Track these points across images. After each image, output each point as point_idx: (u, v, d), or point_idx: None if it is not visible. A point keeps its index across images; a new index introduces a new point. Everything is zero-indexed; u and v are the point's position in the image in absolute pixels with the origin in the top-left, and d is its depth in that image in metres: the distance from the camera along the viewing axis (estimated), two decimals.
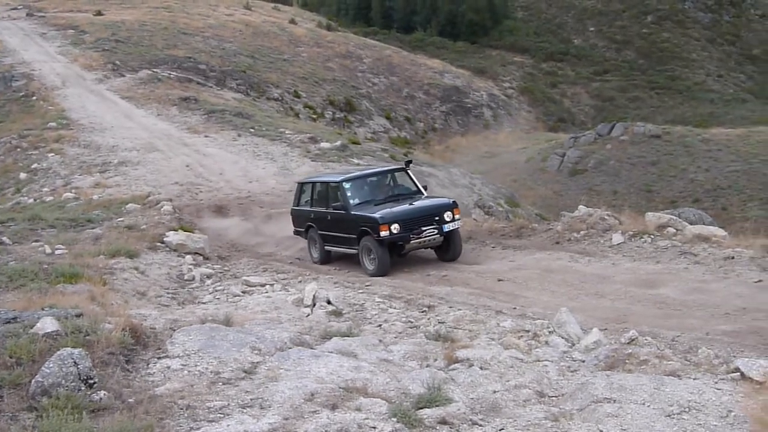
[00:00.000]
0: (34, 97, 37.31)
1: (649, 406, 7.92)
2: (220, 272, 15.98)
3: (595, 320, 11.94)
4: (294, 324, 11.56)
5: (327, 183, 18.60)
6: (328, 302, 13.11)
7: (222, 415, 7.50)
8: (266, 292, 14.23)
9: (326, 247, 18.23)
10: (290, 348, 9.53)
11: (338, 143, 29.54)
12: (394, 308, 13.05)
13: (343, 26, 71.96)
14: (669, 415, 7.71)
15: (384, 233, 16.38)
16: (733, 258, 14.71)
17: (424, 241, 16.92)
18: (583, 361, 9.84)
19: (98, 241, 16.49)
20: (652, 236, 16.46)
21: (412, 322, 12.27)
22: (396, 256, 16.99)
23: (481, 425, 7.62)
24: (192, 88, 40.82)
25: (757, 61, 73.34)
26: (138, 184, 23.95)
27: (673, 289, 13.65)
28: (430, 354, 9.97)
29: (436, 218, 16.88)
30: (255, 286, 14.73)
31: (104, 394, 7.65)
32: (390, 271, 16.67)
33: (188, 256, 16.55)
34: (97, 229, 17.81)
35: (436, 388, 8.20)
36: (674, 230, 16.51)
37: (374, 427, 7.21)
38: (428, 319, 12.40)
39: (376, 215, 16.65)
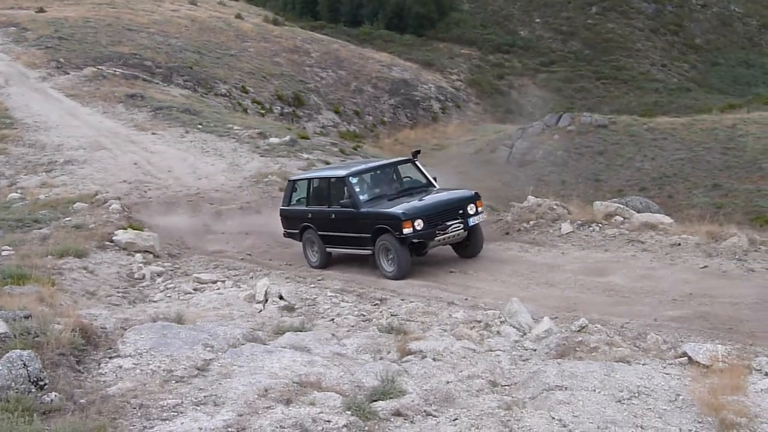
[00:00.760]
0: None
1: (599, 392, 8.03)
2: (171, 270, 15.85)
3: (545, 309, 12.07)
4: (246, 320, 11.53)
5: (328, 179, 17.11)
6: (281, 297, 13.09)
7: (175, 413, 7.47)
8: (218, 289, 14.15)
9: (328, 249, 16.81)
10: (243, 344, 9.51)
11: (287, 138, 29.44)
12: (347, 302, 13.08)
13: (290, 21, 71.67)
14: (619, 401, 7.83)
15: (407, 230, 14.99)
16: (679, 245, 14.96)
17: (449, 237, 15.63)
18: (535, 350, 9.95)
19: (46, 242, 16.28)
20: (600, 225, 16.68)
21: (364, 316, 12.31)
22: (415, 256, 15.59)
23: (435, 416, 7.68)
24: (138, 84, 40.40)
25: (700, 50, 74.34)
26: (85, 183, 23.64)
27: (622, 277, 13.84)
28: (383, 347, 10.01)
29: (460, 211, 15.64)
30: (206, 283, 14.63)
31: (55, 396, 7.58)
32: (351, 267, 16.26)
33: (138, 255, 16.37)
34: (44, 229, 17.57)
35: (389, 381, 8.24)
36: (622, 219, 16.74)
37: (329, 421, 7.23)
38: (381, 312, 12.44)
39: (398, 210, 15.30)
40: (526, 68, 70.85)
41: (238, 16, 63.75)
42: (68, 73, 41.06)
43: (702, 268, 13.83)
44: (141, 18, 55.14)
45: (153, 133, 30.43)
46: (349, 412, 7.44)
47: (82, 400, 7.65)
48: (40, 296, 11.48)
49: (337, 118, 52.96)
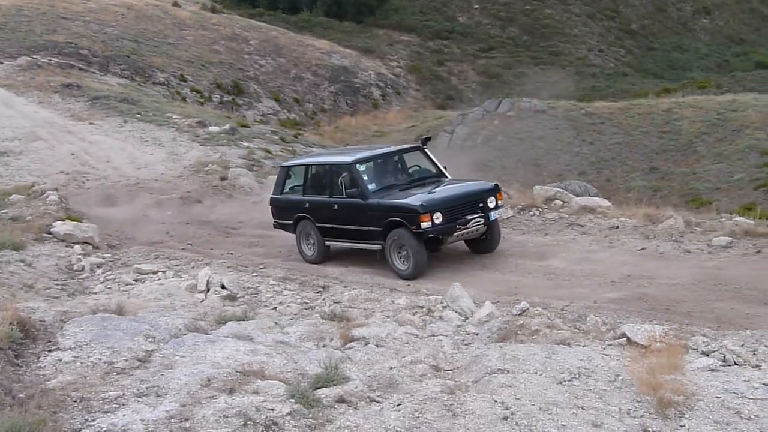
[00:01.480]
0: None
1: (541, 374, 8.13)
2: (111, 261, 15.67)
3: (487, 293, 12.18)
4: (188, 310, 11.47)
5: (329, 166, 15.78)
6: (223, 287, 13.05)
7: (117, 405, 7.41)
8: (159, 280, 14.04)
9: (327, 243, 15.67)
10: (185, 334, 9.45)
11: (227, 127, 29.20)
12: (289, 290, 13.07)
13: (228, 8, 70.95)
14: (560, 383, 7.93)
15: (425, 224, 13.78)
16: (617, 227, 15.17)
17: (469, 233, 14.51)
18: (477, 334, 10.05)
19: None
20: (540, 209, 16.86)
21: (307, 303, 12.32)
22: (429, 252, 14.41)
23: (378, 402, 7.71)
24: (74, 74, 39.74)
25: (636, 35, 75.12)
26: (21, 174, 23.24)
27: (562, 260, 14.01)
28: (326, 334, 10.03)
29: (481, 205, 14.51)
30: (147, 273, 14.50)
31: None
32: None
33: (77, 246, 16.15)
34: None
35: (333, 368, 8.26)
36: (561, 202, 16.93)
37: (272, 409, 7.23)
38: (323, 299, 12.47)
39: (415, 203, 14.06)
40: (466, 54, 71.02)
41: (175, 4, 62.98)
42: (2, 63, 40.21)
43: (640, 250, 14.05)
44: (76, 6, 54.21)
45: (90, 123, 29.98)
46: (292, 400, 7.44)
47: (21, 395, 7.55)
48: None
49: (277, 106, 52.61)
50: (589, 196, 18.91)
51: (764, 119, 36.36)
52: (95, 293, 13.46)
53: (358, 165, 15.18)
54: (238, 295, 12.80)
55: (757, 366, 8.33)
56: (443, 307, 11.21)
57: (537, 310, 10.74)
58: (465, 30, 76.06)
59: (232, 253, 16.56)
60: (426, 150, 16.09)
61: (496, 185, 15.09)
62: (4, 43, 43.55)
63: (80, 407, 7.38)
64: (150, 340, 9.13)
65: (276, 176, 17.40)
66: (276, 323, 10.73)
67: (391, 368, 8.54)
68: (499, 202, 14.83)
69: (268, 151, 25.72)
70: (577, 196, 17.96)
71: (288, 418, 7.15)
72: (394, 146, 16.90)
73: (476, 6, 79.59)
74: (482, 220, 14.48)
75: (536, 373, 8.16)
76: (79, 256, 15.56)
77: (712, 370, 8.21)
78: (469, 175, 20.73)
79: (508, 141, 41.03)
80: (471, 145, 41.52)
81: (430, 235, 14.02)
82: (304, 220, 15.89)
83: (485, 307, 10.83)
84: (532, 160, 38.77)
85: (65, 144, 26.84)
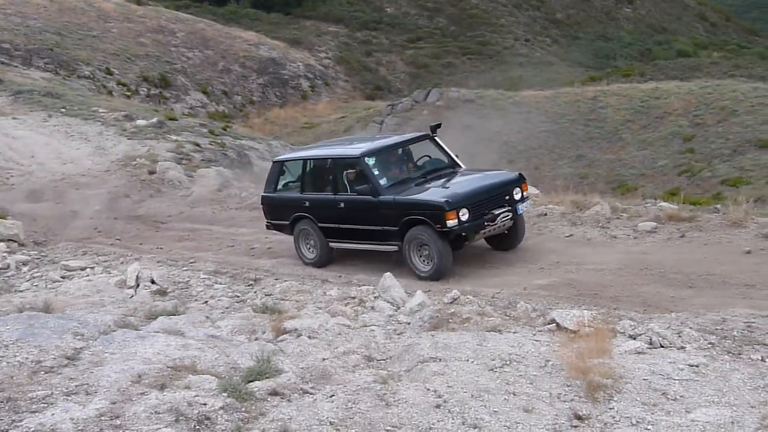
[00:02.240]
0: None
1: (472, 362, 8.21)
2: (37, 258, 15.40)
3: (418, 283, 12.26)
4: (118, 306, 11.35)
5: (333, 159, 14.37)
6: (152, 282, 12.93)
7: (46, 405, 7.29)
8: (87, 276, 13.85)
9: (332, 244, 14.38)
10: (114, 331, 9.33)
11: (154, 120, 28.83)
12: (220, 284, 13.00)
13: (153, 0, 70.18)
14: (492, 369, 8.02)
15: (452, 223, 12.59)
16: (546, 215, 15.35)
17: (497, 229, 13.34)
18: (409, 323, 10.09)
19: None
20: None
21: (238, 297, 12.27)
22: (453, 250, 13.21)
23: (311, 393, 7.71)
24: None
25: (561, 25, 75.98)
26: None
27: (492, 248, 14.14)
28: (258, 327, 9.99)
29: (507, 197, 13.38)
30: (75, 270, 14.28)
31: None
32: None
33: (1, 244, 15.86)
34: None
35: (265, 361, 8.23)
36: None
37: (204, 404, 7.18)
38: (255, 292, 12.43)
39: (439, 199, 12.89)
40: (394, 45, 71.14)
41: None
42: None
43: (567, 236, 14.25)
44: None
45: (14, 118, 29.34)
46: (225, 394, 7.40)
47: None
48: None
49: (205, 99, 52.14)
50: None
51: (686, 106, 37.11)
52: (21, 291, 13.23)
53: (366, 158, 13.78)
54: (169, 290, 12.69)
55: (682, 348, 8.50)
56: (375, 297, 11.25)
57: (468, 298, 10.84)
58: (393, 21, 76.18)
59: (161, 248, 16.38)
60: (436, 138, 14.80)
61: (520, 175, 14.00)
62: None
63: (7, 407, 7.25)
64: (78, 337, 8.99)
65: (268, 172, 15.76)
66: (207, 317, 10.66)
67: (323, 359, 8.55)
68: (525, 193, 13.71)
69: (197, 145, 25.46)
70: None
71: (221, 412, 7.11)
72: (402, 135, 15.42)
73: None
74: (510, 215, 13.35)
75: (468, 360, 8.24)
76: (4, 254, 15.27)
77: (639, 352, 8.37)
78: None
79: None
80: None
81: (458, 235, 12.87)
82: (303, 221, 14.58)
83: (417, 297, 10.90)
84: (461, 150, 38.95)
85: None
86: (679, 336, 8.80)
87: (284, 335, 9.54)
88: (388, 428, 6.96)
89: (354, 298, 11.36)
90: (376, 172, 13.67)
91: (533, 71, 61.56)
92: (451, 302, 10.62)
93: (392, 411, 7.24)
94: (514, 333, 9.17)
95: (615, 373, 7.69)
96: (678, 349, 8.50)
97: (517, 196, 13.47)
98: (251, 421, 7.08)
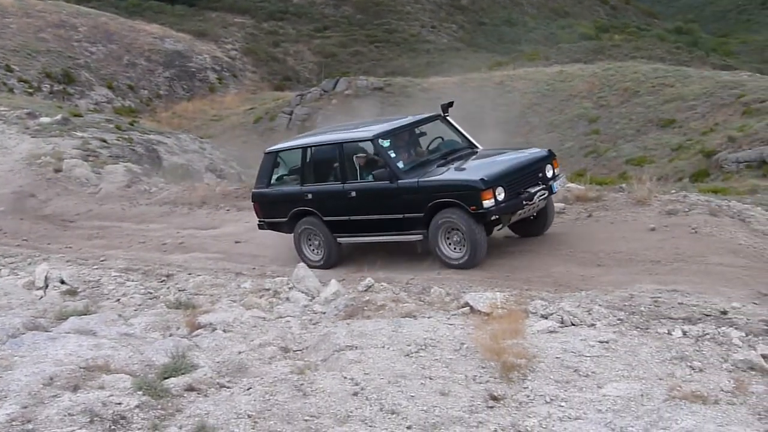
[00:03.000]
0: None
1: (388, 348, 8.25)
2: None
3: (333, 272, 12.28)
4: (26, 308, 11.09)
5: (340, 145, 13.06)
6: (62, 282, 12.67)
7: None
8: None
9: (340, 240, 13.24)
10: (24, 333, 9.13)
11: (59, 117, 28.22)
12: (132, 281, 12.82)
13: None
14: (407, 355, 8.07)
15: (488, 203, 11.54)
16: None
17: (533, 209, 12.42)
18: (324, 313, 10.10)
19: None
20: None
21: (151, 293, 12.12)
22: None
23: (228, 387, 7.68)
24: None
25: (466, 11, 76.66)
26: None
27: None
28: (173, 323, 9.89)
29: (540, 175, 12.41)
30: None
31: None
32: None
33: None
34: None
35: (180, 356, 8.15)
36: None
37: (119, 403, 7.09)
38: (168, 288, 12.29)
39: (473, 177, 11.83)
40: (301, 35, 70.87)
41: None
42: None
43: None
44: None
45: None
46: (140, 392, 7.31)
47: None
48: None
49: (110, 94, 51.26)
50: None
51: (590, 88, 37.81)
52: None
53: (381, 140, 12.61)
54: (79, 290, 12.46)
55: (593, 325, 8.68)
56: (289, 288, 11.23)
57: (382, 285, 10.90)
58: (299, 10, 75.88)
59: (70, 247, 16.06)
60: (448, 118, 13.71)
61: (550, 151, 13.08)
62: None
63: None
64: None
65: (259, 166, 14.37)
66: (120, 315, 10.51)
67: (239, 353, 8.51)
68: (556, 170, 12.74)
69: (104, 141, 25.00)
70: None
71: (136, 410, 7.03)
72: (413, 116, 14.05)
73: None
74: (546, 193, 12.36)
75: (384, 347, 8.28)
76: None
77: (551, 331, 8.51)
78: None
79: (347, 119, 41.22)
80: (310, 125, 41.46)
81: (493, 217, 11.82)
82: (305, 217, 13.36)
83: (331, 286, 10.91)
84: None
85: None
86: (589, 314, 8.98)
87: (199, 330, 9.46)
88: (307, 418, 6.96)
89: (268, 289, 11.32)
90: (393, 155, 12.54)
91: (440, 57, 61.92)
92: (365, 290, 10.67)
93: (310, 401, 7.25)
94: (428, 318, 9.24)
95: (528, 353, 7.81)
96: (588, 326, 8.67)
97: (549, 173, 12.51)
98: (168, 418, 7.02)
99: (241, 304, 10.71)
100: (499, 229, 12.37)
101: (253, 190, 14.27)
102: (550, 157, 12.74)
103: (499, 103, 38.13)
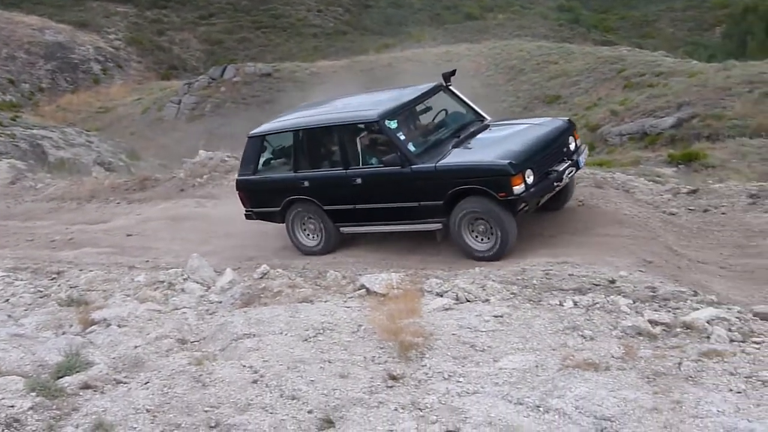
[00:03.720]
0: None
1: (286, 334, 8.25)
2: None
3: (228, 261, 12.19)
4: None
5: (340, 127, 11.87)
6: None
7: None
8: None
9: (344, 230, 12.22)
10: None
11: None
12: (21, 280, 12.50)
13: None
14: (306, 340, 8.08)
15: (519, 188, 10.48)
16: None
17: (558, 188, 11.26)
18: (221, 302, 10.04)
19: None
20: None
21: (42, 292, 11.83)
22: None
23: (125, 382, 7.57)
24: None
25: None
26: None
27: None
28: (65, 321, 9.69)
29: (564, 149, 11.43)
30: None
31: None
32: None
33: None
34: None
35: (74, 354, 7.99)
36: None
37: (12, 406, 6.92)
38: (59, 285, 12.02)
39: (500, 160, 10.63)
40: (185, 22, 69.82)
41: None
42: None
43: None
44: None
45: None
46: (33, 394, 7.15)
47: None
48: None
49: None
50: None
51: (477, 68, 38.27)
52: None
53: (387, 120, 11.43)
54: None
55: (487, 300, 8.83)
56: (184, 279, 11.10)
57: (278, 271, 10.88)
58: None
59: None
60: (451, 88, 12.50)
61: (570, 120, 12.14)
62: None
63: None
64: None
65: (243, 151, 13.17)
66: (9, 316, 10.26)
67: (135, 347, 8.39)
68: (578, 141, 11.79)
69: None
70: None
71: (30, 412, 6.88)
72: (413, 88, 12.59)
73: None
74: (573, 169, 11.40)
75: (282, 333, 8.27)
76: None
77: (447, 309, 8.63)
78: (198, 144, 20.46)
79: (237, 107, 40.98)
80: (199, 114, 41.14)
81: (523, 204, 10.73)
82: (300, 204, 12.33)
83: (226, 275, 10.84)
84: (261, 124, 38.86)
85: None
86: (484, 289, 9.13)
87: (93, 326, 9.29)
88: (207, 409, 6.92)
89: (163, 282, 11.18)
90: (402, 137, 11.38)
91: (328, 41, 61.93)
92: (261, 277, 10.63)
93: (209, 391, 7.20)
94: (325, 302, 9.27)
95: (425, 331, 7.89)
96: (483, 302, 8.82)
97: (572, 146, 11.55)
98: (63, 418, 6.89)
99: (136, 298, 10.55)
100: (525, 213, 11.10)
101: (238, 178, 13.08)
102: (571, 128, 11.78)
103: (388, 85, 38.28)
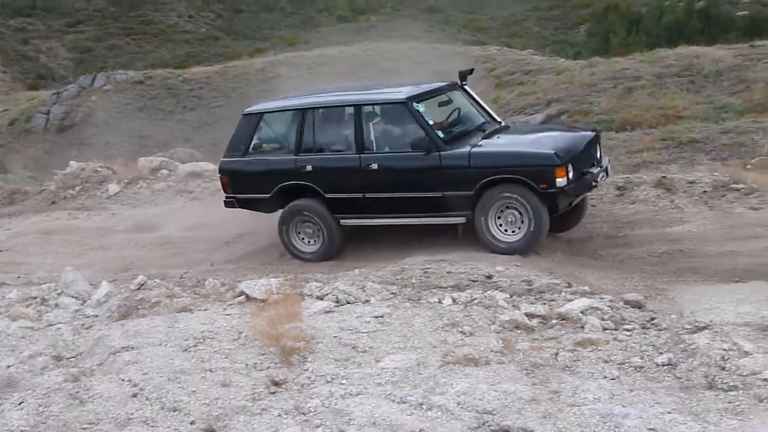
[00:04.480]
0: None
1: (166, 345, 8.10)
2: None
3: (103, 273, 11.90)
4: None
5: (360, 106, 11.02)
6: None
7: None
8: None
9: (346, 222, 11.29)
10: None
11: None
12: None
13: None
14: (186, 350, 7.96)
15: (561, 180, 10.04)
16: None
17: (595, 187, 10.95)
18: (97, 316, 9.79)
19: None
20: (147, 181, 16.68)
21: None
22: None
23: None
24: None
25: None
26: None
27: (175, 228, 14.01)
28: None
29: (595, 155, 11.14)
30: None
31: None
32: None
33: None
34: None
35: None
36: (168, 171, 16.87)
37: None
38: None
39: (546, 150, 10.27)
40: (52, 30, 68.24)
41: None
42: None
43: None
44: None
45: None
46: None
47: None
48: None
49: None
50: (195, 161, 18.97)
51: (351, 70, 38.44)
52: None
53: (415, 103, 10.76)
54: None
55: (367, 301, 8.86)
56: (58, 294, 10.77)
57: (155, 282, 10.67)
58: (48, 5, 72.95)
59: None
60: (466, 88, 12.02)
61: (596, 130, 11.89)
62: None
63: None
64: None
65: (235, 130, 12.05)
66: None
67: (8, 367, 8.12)
68: (602, 152, 11.55)
69: None
70: (183, 163, 17.98)
71: None
72: (435, 81, 12.07)
73: None
74: (604, 176, 11.12)
75: (161, 344, 8.13)
76: None
77: (328, 312, 8.62)
78: (69, 155, 19.99)
79: (108, 116, 40.17)
80: (69, 124, 40.18)
81: (562, 198, 10.30)
82: (297, 194, 11.36)
83: (102, 288, 10.57)
84: (136, 133, 38.19)
85: None
86: (364, 290, 9.16)
87: None
88: (85, 426, 6.75)
89: (35, 297, 10.82)
90: (431, 122, 10.73)
91: (200, 47, 61.44)
92: (138, 288, 10.41)
93: (87, 408, 7.03)
94: (205, 310, 9.15)
95: (307, 335, 7.87)
96: (363, 303, 8.84)
97: (598, 155, 11.26)
98: None
99: (7, 315, 10.20)
100: (555, 213, 10.59)
101: (223, 159, 11.99)
102: (598, 137, 11.50)
103: (262, 89, 38.13)
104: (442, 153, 10.44)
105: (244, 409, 6.75)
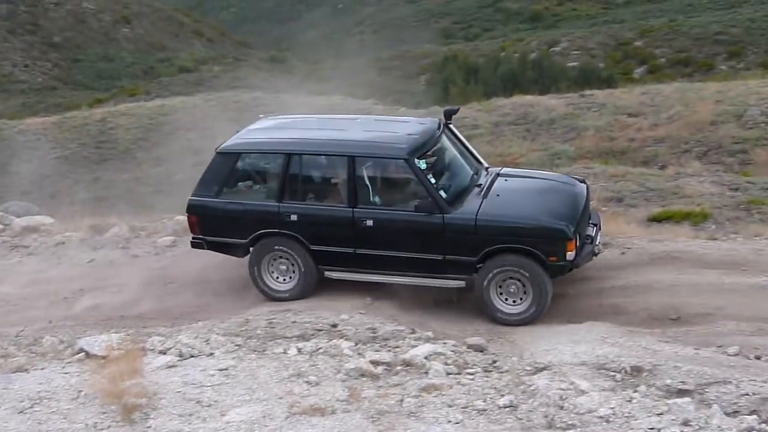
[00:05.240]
0: None
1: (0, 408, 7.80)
2: None
3: None
4: None
5: (355, 158, 10.15)
6: None
7: None
8: None
9: (332, 274, 10.57)
10: None
11: None
12: None
13: None
14: (21, 412, 7.70)
15: (571, 254, 9.61)
16: (64, 243, 14.89)
17: (595, 257, 10.45)
18: None
19: None
20: None
21: None
22: None
23: None
24: None
25: (60, 48, 74.17)
26: None
27: (11, 285, 13.39)
28: None
29: (587, 211, 10.57)
30: None
31: None
32: None
33: None
34: None
35: None
36: (2, 226, 16.23)
37: None
38: None
39: (556, 222, 9.73)
40: None
41: None
42: None
43: (89, 262, 13.92)
44: None
45: None
46: None
47: None
48: None
49: None
50: (31, 215, 18.31)
51: (193, 121, 38.08)
52: None
53: (417, 159, 9.98)
54: None
55: (211, 354, 8.76)
56: None
57: None
58: None
59: None
60: (451, 127, 11.16)
61: (584, 180, 11.36)
62: None
63: None
64: None
65: (208, 166, 11.19)
66: None
67: None
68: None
69: None
70: (19, 217, 17.32)
71: None
72: (421, 120, 11.40)
73: None
74: (601, 235, 10.70)
75: None
76: None
77: (171, 366, 8.48)
78: None
79: None
80: None
81: (569, 271, 9.91)
82: (274, 239, 10.55)
83: None
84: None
85: None
86: (208, 343, 9.05)
87: None
88: None
89: None
90: (432, 180, 10.00)
91: (36, 97, 59.70)
92: None
93: None
94: (42, 369, 8.85)
95: (149, 391, 7.73)
96: (207, 356, 8.73)
97: (588, 212, 10.71)
98: None
99: None
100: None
101: (192, 198, 11.08)
102: (588, 189, 10.98)
103: (102, 140, 37.41)
104: (446, 216, 9.88)
105: None
